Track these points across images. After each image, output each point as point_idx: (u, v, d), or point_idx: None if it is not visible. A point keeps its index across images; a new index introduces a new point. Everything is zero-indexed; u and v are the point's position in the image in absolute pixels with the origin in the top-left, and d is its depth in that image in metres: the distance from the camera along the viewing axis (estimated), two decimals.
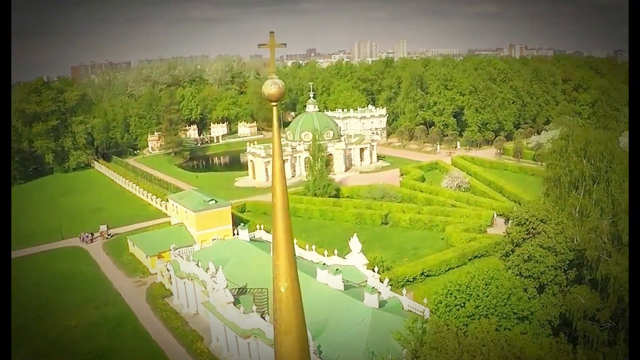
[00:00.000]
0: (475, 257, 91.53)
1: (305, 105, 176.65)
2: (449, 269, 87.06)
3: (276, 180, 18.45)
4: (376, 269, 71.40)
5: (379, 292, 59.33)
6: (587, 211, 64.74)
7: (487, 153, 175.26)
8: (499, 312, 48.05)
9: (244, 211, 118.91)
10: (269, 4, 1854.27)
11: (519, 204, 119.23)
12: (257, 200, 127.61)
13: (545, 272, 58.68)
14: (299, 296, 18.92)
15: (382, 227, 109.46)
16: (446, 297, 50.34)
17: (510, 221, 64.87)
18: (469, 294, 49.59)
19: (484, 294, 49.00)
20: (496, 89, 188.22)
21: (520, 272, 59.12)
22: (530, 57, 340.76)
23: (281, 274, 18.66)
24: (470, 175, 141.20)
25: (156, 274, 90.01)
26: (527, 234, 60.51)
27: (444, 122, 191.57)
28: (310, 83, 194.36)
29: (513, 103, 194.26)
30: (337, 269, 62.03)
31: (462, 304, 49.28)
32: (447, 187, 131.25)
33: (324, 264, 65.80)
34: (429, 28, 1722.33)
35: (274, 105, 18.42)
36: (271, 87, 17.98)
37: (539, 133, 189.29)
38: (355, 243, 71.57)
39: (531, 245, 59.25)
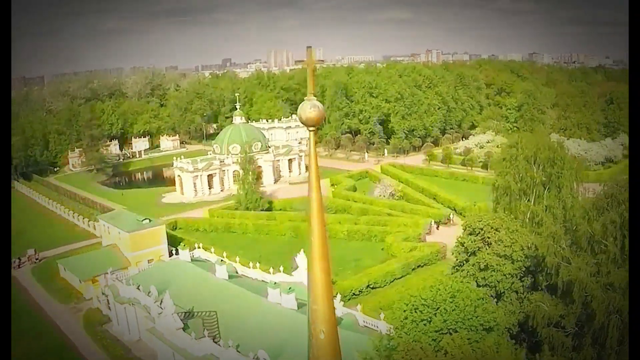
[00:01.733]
0: (418, 267, 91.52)
1: (228, 117, 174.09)
2: (394, 280, 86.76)
3: (314, 218, 16.59)
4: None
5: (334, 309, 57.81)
6: (539, 218, 64.95)
7: (415, 160, 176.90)
8: (467, 326, 47.09)
9: (176, 229, 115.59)
10: (183, 14, 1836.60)
11: (454, 210, 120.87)
12: (188, 217, 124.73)
13: (502, 281, 58.58)
14: (337, 343, 17.17)
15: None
16: (412, 313, 49.07)
17: (462, 230, 64.16)
18: (435, 308, 48.49)
19: (451, 307, 47.98)
20: (422, 95, 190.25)
21: (476, 281, 58.76)
22: (451, 62, 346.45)
23: (320, 320, 16.92)
24: (402, 182, 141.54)
25: (92, 299, 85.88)
26: (482, 243, 60.11)
27: (370, 130, 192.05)
28: (236, 94, 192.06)
29: (438, 109, 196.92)
30: (289, 288, 60.47)
31: (429, 319, 48.14)
32: (380, 195, 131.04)
33: (275, 282, 63.79)
34: (342, 35, 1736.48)
35: (312, 131, 16.39)
36: (310, 110, 15.92)
37: (464, 138, 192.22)
38: (301, 258, 70.04)
39: (487, 254, 58.97)
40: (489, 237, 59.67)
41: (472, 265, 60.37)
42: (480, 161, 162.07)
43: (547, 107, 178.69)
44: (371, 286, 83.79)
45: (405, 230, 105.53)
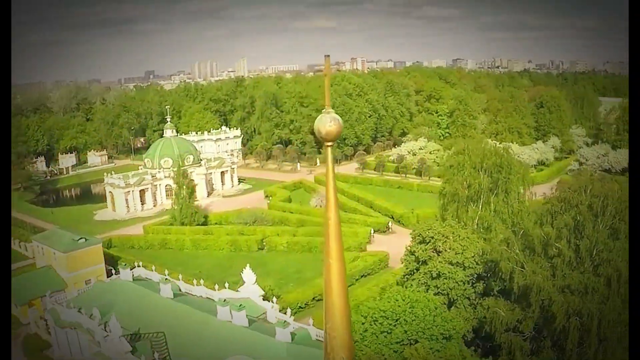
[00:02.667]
0: (362, 277, 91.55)
1: (156, 130, 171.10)
2: None
3: (332, 240, 15.75)
4: (274, 299, 68.80)
5: (289, 324, 57.21)
6: (488, 223, 65.61)
7: (348, 168, 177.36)
8: (428, 335, 47.17)
9: (111, 247, 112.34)
10: (104, 26, 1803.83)
11: (392, 217, 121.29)
12: (122, 234, 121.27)
13: (455, 288, 59.06)
14: None
15: (260, 253, 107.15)
16: (371, 325, 48.86)
17: (412, 239, 64.29)
18: (394, 319, 48.47)
19: (411, 318, 47.96)
20: (352, 103, 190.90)
21: (428, 290, 58.88)
22: (378, 69, 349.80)
23: (339, 347, 15.92)
24: (337, 192, 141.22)
25: (29, 324, 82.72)
26: (433, 251, 60.31)
27: (301, 140, 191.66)
28: (165, 107, 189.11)
29: (369, 117, 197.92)
30: (240, 305, 59.41)
31: (389, 331, 48.10)
32: (317, 206, 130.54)
33: (224, 300, 62.51)
34: (267, 45, 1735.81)
35: (330, 146, 15.50)
36: (330, 123, 14.80)
37: (396, 145, 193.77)
38: (248, 274, 69.12)
39: (439, 262, 59.32)
40: (440, 245, 60.02)
41: (424, 274, 60.69)
42: (414, 168, 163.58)
43: (479, 113, 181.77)
44: (317, 298, 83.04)
45: (345, 240, 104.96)
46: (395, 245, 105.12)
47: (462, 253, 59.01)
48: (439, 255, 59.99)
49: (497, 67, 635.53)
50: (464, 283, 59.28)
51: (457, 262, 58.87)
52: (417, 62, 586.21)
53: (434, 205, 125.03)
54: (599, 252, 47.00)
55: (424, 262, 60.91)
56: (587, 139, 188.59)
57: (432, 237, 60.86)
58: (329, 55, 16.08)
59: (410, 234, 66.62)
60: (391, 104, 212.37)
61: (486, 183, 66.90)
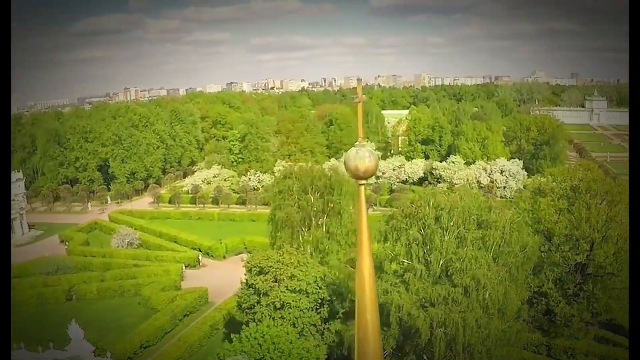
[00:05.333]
0: (185, 316, 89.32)
1: None
2: (165, 335, 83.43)
3: (367, 291, 15.07)
4: (108, 354, 65.33)
5: None
6: (325, 246, 66.45)
7: (142, 203, 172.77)
8: None
9: None
10: None
11: (200, 250, 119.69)
12: None
13: (301, 316, 59.16)
14: None
15: (69, 304, 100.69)
16: None
17: (247, 271, 63.66)
18: (259, 359, 47.56)
19: (277, 355, 47.55)
20: (139, 135, 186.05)
21: (273, 322, 58.48)
22: (160, 97, 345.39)
23: None
24: (137, 229, 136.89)
25: None
26: (273, 281, 60.12)
27: (89, 178, 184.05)
28: None
29: (157, 148, 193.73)
30: None
31: None
32: (119, 246, 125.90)
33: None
34: (36, 79, 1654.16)
35: (363, 185, 14.51)
36: (370, 158, 13.68)
37: (186, 175, 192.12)
38: (75, 329, 65.00)
39: (281, 291, 59.14)
40: (280, 274, 59.88)
41: (266, 306, 60.17)
42: (211, 197, 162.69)
43: (270, 135, 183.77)
44: (144, 345, 79.86)
45: (158, 280, 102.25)
46: (210, 279, 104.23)
47: (304, 279, 59.37)
48: (280, 284, 59.91)
49: (272, 88, 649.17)
50: (309, 310, 59.64)
51: (300, 289, 59.15)
52: (191, 87, 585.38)
53: (242, 233, 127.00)
54: (450, 262, 49.05)
55: (265, 294, 60.47)
56: (377, 152, 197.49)
57: (271, 267, 60.67)
58: (360, 79, 15.45)
59: (244, 265, 65.95)
60: (178, 132, 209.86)
61: (318, 205, 67.78)
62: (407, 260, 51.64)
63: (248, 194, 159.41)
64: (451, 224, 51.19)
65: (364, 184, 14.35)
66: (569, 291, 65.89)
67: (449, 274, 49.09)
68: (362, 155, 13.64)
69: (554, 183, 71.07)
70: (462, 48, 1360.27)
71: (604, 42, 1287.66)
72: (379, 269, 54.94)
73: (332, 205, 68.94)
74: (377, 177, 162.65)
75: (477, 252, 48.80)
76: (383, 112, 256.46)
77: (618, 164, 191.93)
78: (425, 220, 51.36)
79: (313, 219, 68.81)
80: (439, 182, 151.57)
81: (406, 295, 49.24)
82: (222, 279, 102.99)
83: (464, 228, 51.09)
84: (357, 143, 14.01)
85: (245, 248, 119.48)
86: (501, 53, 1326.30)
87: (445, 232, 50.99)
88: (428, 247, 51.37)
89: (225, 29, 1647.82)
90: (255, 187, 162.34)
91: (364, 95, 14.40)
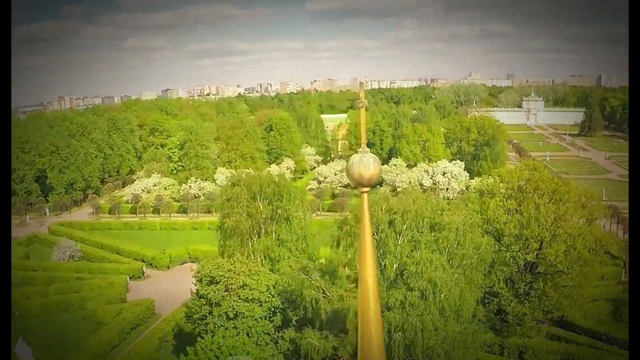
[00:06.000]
0: (133, 329, 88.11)
1: None
2: (113, 349, 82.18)
3: (371, 302, 15.06)
4: None
5: None
6: (276, 253, 66.45)
7: (81, 214, 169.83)
8: None
9: None
10: None
11: (144, 261, 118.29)
12: None
13: (254, 325, 58.97)
14: None
15: (12, 321, 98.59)
16: None
17: (197, 282, 63.16)
18: None
19: None
20: (77, 144, 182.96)
21: (227, 331, 58.23)
22: (97, 105, 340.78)
23: None
24: (77, 241, 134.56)
25: None
26: (225, 291, 59.82)
27: (26, 189, 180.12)
28: None
29: (95, 157, 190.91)
30: None
31: None
32: (60, 259, 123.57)
33: None
34: None
35: (366, 192, 14.31)
36: (374, 164, 13.48)
37: (125, 184, 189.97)
38: (22, 347, 63.96)
39: (234, 301, 58.91)
40: (232, 283, 59.60)
41: (219, 316, 59.76)
42: (152, 206, 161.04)
43: (210, 142, 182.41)
44: None
45: (103, 293, 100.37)
46: (155, 290, 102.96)
47: (257, 288, 59.21)
48: (232, 293, 59.62)
49: (208, 94, 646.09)
50: (262, 319, 59.51)
51: (253, 298, 58.96)
52: (126, 95, 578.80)
53: (185, 242, 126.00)
54: (405, 266, 49.46)
55: (217, 304, 60.03)
56: (317, 157, 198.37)
57: (223, 276, 60.30)
58: (363, 83, 15.36)
59: (194, 275, 65.38)
60: (116, 141, 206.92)
61: (267, 212, 67.73)
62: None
63: (189, 202, 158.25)
64: (404, 227, 51.64)
65: (367, 192, 14.23)
66: (520, 290, 66.99)
67: (404, 277, 49.46)
68: (367, 162, 13.51)
69: (502, 184, 72.29)
70: (398, 51, 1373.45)
71: (539, 43, 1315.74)
72: (332, 274, 55.12)
73: (280, 212, 68.91)
74: (319, 182, 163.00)
75: (432, 254, 49.30)
76: (322, 116, 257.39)
77: (557, 163, 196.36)
78: (379, 225, 51.72)
79: (262, 226, 68.66)
80: (381, 186, 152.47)
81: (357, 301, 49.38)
82: (168, 289, 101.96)
83: (417, 231, 51.64)
84: (360, 150, 13.94)
85: (190, 257, 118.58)
86: (437, 55, 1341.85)
87: (398, 236, 51.43)
88: (382, 251, 51.68)
89: (162, 35, 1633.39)
90: (197, 195, 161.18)
91: (366, 100, 14.29)
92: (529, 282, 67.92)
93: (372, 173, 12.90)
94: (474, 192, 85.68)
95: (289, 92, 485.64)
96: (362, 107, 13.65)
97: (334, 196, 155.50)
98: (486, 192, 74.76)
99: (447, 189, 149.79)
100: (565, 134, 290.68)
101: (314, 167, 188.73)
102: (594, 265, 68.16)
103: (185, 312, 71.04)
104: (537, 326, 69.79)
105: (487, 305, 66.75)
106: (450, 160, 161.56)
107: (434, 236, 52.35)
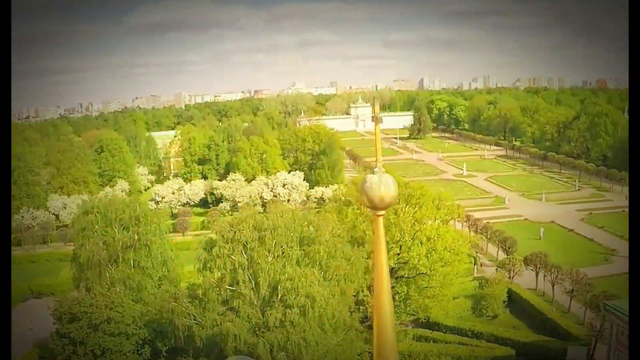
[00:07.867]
0: None
1: None
2: None
3: (387, 329, 14.17)
4: None
5: None
6: (137, 281, 64.16)
7: None
8: None
9: None
10: None
11: None
12: None
13: None
14: None
15: None
16: None
17: (57, 320, 59.83)
18: None
19: None
20: None
21: None
22: None
23: None
24: None
25: None
26: (88, 327, 57.07)
27: None
28: None
29: None
30: None
31: None
32: None
33: None
34: None
35: (381, 216, 13.32)
36: (393, 185, 12.51)
37: None
38: None
39: (99, 337, 56.36)
40: (96, 319, 56.95)
41: (84, 355, 56.92)
42: None
43: (40, 167, 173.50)
44: None
45: None
46: None
47: (122, 321, 56.93)
48: (96, 330, 56.98)
49: (27, 117, 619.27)
50: (131, 353, 57.29)
51: (120, 332, 56.63)
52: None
53: (24, 277, 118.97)
54: (279, 283, 48.96)
55: (82, 342, 57.10)
56: (150, 176, 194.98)
57: (84, 312, 57.47)
58: (377, 99, 14.42)
59: (52, 313, 61.87)
60: None
61: (124, 239, 65.15)
62: (234, 286, 50.99)
63: (23, 234, 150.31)
64: (274, 243, 51.18)
65: (382, 215, 13.47)
66: None
67: (279, 295, 48.87)
68: (387, 183, 12.71)
69: (357, 191, 73.07)
70: (220, 64, 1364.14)
71: (362, 50, 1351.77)
72: (202, 299, 53.87)
73: (137, 237, 66.36)
74: (157, 202, 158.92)
75: (305, 269, 49.15)
76: (152, 134, 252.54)
77: (392, 167, 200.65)
78: (248, 243, 50.95)
79: (120, 254, 65.89)
80: (221, 202, 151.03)
81: (240, 323, 48.53)
82: (13, 331, 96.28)
83: (287, 246, 51.32)
84: (377, 169, 13.07)
85: (32, 293, 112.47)
86: (259, 66, 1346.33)
87: (269, 253, 50.90)
88: (253, 270, 50.93)
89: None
90: (31, 225, 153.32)
91: (381, 116, 13.47)
92: (392, 287, 68.94)
93: (392, 195, 12.26)
94: (330, 202, 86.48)
95: (112, 110, 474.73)
96: (377, 123, 12.93)
97: (173, 216, 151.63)
98: (342, 200, 75.59)
99: (289, 200, 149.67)
100: (396, 138, 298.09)
101: (148, 187, 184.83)
102: (454, 264, 70.51)
103: (39, 354, 67.41)
104: (404, 330, 70.97)
105: (352, 313, 67.40)
106: (289, 172, 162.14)
107: (304, 250, 52.22)
